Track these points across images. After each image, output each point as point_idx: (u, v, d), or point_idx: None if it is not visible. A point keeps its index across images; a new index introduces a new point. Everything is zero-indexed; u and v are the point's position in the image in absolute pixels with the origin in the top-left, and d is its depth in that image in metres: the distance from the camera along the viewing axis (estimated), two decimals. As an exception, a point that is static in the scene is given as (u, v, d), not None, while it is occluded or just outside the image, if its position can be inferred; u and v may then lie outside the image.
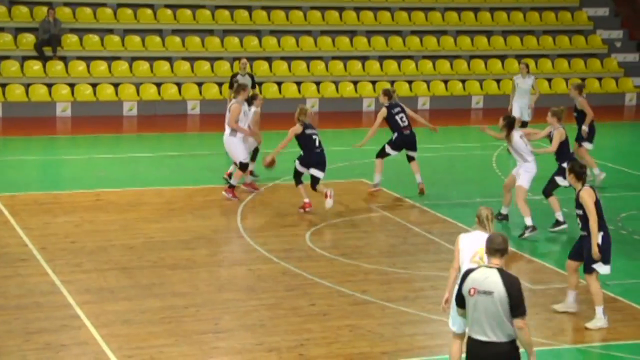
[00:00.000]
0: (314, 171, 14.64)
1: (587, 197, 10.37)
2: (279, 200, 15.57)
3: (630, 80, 27.43)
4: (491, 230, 8.61)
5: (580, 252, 10.60)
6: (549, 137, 14.10)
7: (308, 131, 14.59)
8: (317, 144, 14.62)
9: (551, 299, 11.18)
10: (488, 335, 7.16)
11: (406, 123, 15.84)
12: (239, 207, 14.94)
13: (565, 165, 13.68)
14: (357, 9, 26.82)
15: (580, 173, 10.51)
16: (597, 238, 10.30)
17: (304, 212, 14.68)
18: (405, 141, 15.87)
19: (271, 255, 12.74)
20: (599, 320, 10.45)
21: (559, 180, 13.96)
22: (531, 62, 26.84)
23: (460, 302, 7.45)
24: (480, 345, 7.19)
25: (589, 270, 10.45)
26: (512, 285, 7.15)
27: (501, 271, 7.22)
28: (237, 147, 15.48)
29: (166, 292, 11.30)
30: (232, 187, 15.41)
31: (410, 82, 25.51)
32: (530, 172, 13.75)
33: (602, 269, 10.42)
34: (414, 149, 15.98)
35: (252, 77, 19.06)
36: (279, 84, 24.79)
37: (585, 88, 17.88)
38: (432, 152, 18.90)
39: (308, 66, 25.40)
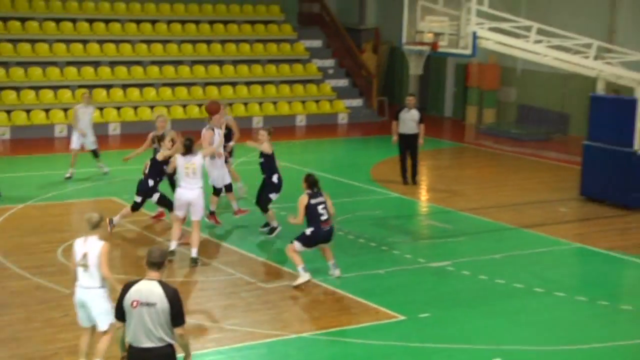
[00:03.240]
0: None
1: (301, 201, 11.83)
2: (29, 221, 14.90)
3: (341, 102, 28.77)
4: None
5: None
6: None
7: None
8: None
9: (280, 295, 11.50)
10: (149, 342, 7.01)
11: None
12: (-9, 229, 14.16)
13: (275, 179, 14.06)
14: (100, 42, 26.25)
15: (313, 182, 11.96)
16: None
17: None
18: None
19: (24, 272, 12.18)
20: (302, 276, 11.76)
21: (272, 196, 14.12)
22: (258, 88, 27.55)
23: (121, 315, 7.13)
24: (143, 351, 7.03)
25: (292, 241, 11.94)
26: (173, 296, 7.02)
27: (162, 283, 7.09)
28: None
29: None
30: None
31: (152, 107, 25.31)
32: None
33: (298, 246, 11.88)
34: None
35: None
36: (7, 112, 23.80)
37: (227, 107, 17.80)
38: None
39: (55, 95, 24.53)
